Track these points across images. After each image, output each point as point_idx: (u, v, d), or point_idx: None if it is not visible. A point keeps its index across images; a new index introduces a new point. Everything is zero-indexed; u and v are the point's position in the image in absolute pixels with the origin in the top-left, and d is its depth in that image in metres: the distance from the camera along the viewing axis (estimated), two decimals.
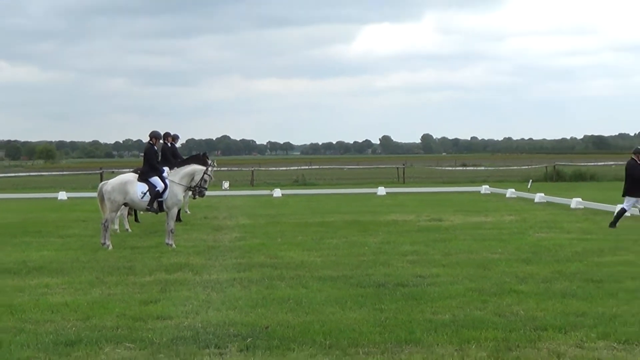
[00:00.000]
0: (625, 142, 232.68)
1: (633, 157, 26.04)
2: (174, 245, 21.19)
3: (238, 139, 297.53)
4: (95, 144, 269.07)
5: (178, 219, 25.63)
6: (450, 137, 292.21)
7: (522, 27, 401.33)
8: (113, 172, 49.96)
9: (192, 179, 22.05)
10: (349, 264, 17.98)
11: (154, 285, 15.37)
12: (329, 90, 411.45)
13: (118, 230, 25.06)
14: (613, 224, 25.30)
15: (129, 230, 25.91)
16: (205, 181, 22.12)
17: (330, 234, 24.44)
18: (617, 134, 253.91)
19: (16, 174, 72.67)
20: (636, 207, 26.39)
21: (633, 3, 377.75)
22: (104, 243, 21.29)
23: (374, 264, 17.78)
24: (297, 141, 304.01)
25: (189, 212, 31.49)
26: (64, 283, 15.84)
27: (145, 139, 23.17)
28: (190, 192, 23.23)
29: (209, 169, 22.48)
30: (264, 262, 18.32)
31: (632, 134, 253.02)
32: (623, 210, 25.73)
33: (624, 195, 26.10)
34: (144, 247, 21.66)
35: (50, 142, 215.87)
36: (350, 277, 15.97)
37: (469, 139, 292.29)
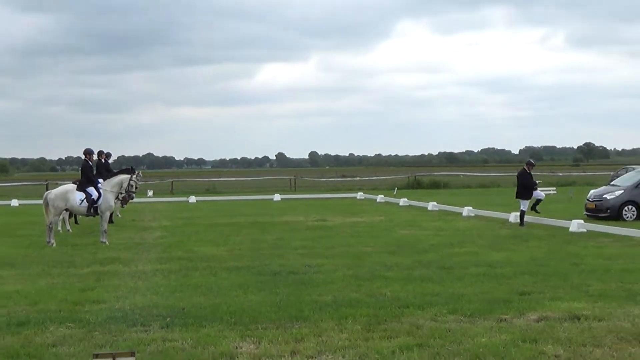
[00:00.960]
0: (470, 157, 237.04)
1: (525, 167, 26.58)
2: (107, 243, 20.97)
3: (160, 156, 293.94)
4: (42, 160, 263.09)
5: (110, 221, 25.30)
6: (332, 154, 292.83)
7: (388, 66, 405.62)
8: (57, 183, 48.88)
9: (121, 186, 22.09)
10: (250, 256, 17.96)
11: (90, 276, 15.14)
12: (234, 116, 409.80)
13: (60, 231, 24.58)
14: (522, 224, 25.45)
15: (70, 230, 25.54)
16: (132, 186, 22.25)
17: (236, 232, 24.37)
18: (464, 150, 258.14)
19: None
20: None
21: (472, 49, 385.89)
22: (49, 241, 20.98)
23: (270, 256, 17.79)
24: (208, 157, 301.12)
25: (119, 215, 31.03)
26: (16, 274, 15.50)
27: (82, 155, 22.98)
28: (119, 201, 23.29)
29: (133, 176, 22.50)
30: (181, 256, 18.18)
31: (475, 151, 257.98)
32: (522, 211, 25.85)
33: (516, 198, 26.42)
34: (82, 244, 21.34)
35: (4, 159, 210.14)
36: (252, 267, 15.95)
37: (347, 155, 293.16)
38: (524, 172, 26.33)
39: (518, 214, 26.01)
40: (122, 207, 28.77)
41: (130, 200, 23.54)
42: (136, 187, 22.87)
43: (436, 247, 19.47)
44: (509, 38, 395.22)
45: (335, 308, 11.27)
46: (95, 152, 25.29)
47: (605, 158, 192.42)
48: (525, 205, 25.93)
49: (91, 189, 21.76)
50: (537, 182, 27.11)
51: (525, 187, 26.07)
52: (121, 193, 22.26)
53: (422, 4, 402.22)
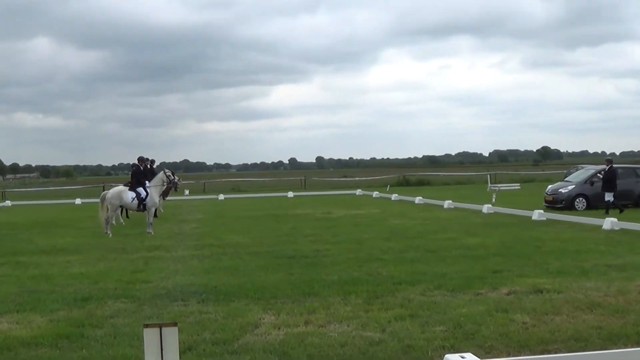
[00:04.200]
0: (448, 159, 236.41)
1: (606, 164, 25.65)
2: (152, 233, 20.99)
3: (194, 161, 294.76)
4: (99, 166, 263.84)
5: (155, 215, 25.27)
6: (335, 158, 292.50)
7: (378, 86, 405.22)
8: (111, 185, 48.98)
9: (162, 181, 22.35)
10: (269, 243, 17.92)
11: (139, 260, 15.13)
12: (253, 128, 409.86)
13: (115, 224, 24.58)
14: (607, 212, 23.90)
15: (123, 223, 25.57)
16: (169, 176, 22.52)
17: (257, 223, 24.34)
18: (443, 154, 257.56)
19: (47, 188, 71.33)
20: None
21: (445, 71, 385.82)
22: (106, 232, 21.04)
23: (286, 243, 17.75)
24: (234, 162, 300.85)
25: (162, 210, 31.00)
26: (80, 259, 15.51)
27: (132, 162, 23.30)
28: (161, 197, 23.54)
29: (166, 170, 22.84)
30: (212, 243, 18.15)
31: (453, 154, 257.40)
32: (608, 202, 24.69)
33: (602, 191, 25.23)
34: (133, 234, 21.34)
35: (70, 166, 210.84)
36: (271, 252, 15.91)
37: (348, 158, 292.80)
38: (608, 169, 25.37)
39: (490, 205, 25.86)
40: (163, 199, 28.77)
41: (176, 188, 23.87)
42: (173, 175, 23.14)
43: (423, 233, 19.41)
44: (474, 62, 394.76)
45: (341, 285, 11.22)
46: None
47: (559, 159, 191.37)
48: (610, 196, 24.89)
49: (140, 189, 22.05)
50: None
51: (607, 181, 25.10)
52: (164, 185, 22.53)
53: (403, 36, 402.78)
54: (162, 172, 22.71)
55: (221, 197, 46.35)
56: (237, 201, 42.77)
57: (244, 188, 62.29)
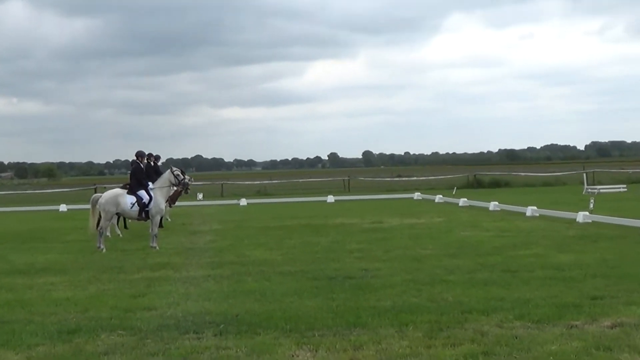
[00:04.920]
0: (532, 154, 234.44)
1: None
2: (157, 248, 21.11)
3: (209, 158, 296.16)
4: (90, 164, 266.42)
5: (160, 225, 25.48)
6: (387, 153, 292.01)
7: (441, 61, 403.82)
8: (105, 187, 49.53)
9: (169, 181, 22.43)
10: (304, 260, 17.93)
11: (141, 282, 15.25)
12: (283, 115, 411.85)
13: (110, 236, 24.83)
14: None
15: (120, 235, 25.87)
16: (177, 176, 22.53)
17: (288, 235, 24.38)
18: (525, 147, 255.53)
19: (24, 191, 72.17)
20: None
21: (527, 42, 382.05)
22: (99, 247, 21.23)
23: (325, 260, 17.74)
24: (259, 158, 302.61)
25: (170, 219, 31.29)
26: (66, 281, 15.67)
27: (131, 159, 23.30)
28: (168, 203, 23.59)
29: (174, 168, 22.80)
30: (233, 260, 18.22)
31: (538, 147, 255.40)
32: None
33: None
34: (132, 249, 21.52)
35: (52, 163, 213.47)
36: (306, 272, 15.90)
37: (403, 154, 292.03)
38: None
39: (587, 212, 25.53)
40: (170, 207, 29.03)
41: (186, 190, 23.95)
42: (183, 175, 23.19)
43: (499, 249, 19.25)
44: (565, 29, 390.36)
45: (395, 314, 11.17)
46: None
47: None
48: None
49: (142, 192, 22.10)
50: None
51: None
52: (171, 188, 22.79)
53: None
54: (168, 170, 22.74)
55: (243, 202, 46.55)
56: (263, 207, 42.91)
57: (271, 191, 62.54)
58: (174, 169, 22.79)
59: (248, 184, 70.08)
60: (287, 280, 14.84)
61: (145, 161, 25.82)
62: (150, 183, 22.86)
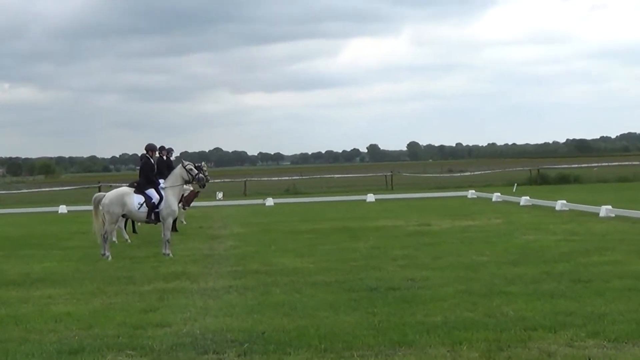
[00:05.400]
0: (607, 145, 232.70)
1: None
2: (171, 255, 21.16)
3: (230, 151, 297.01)
4: (93, 158, 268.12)
5: (174, 229, 25.57)
6: (435, 144, 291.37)
7: (497, 38, 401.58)
8: (111, 185, 49.97)
9: (182, 178, 22.36)
10: (341, 269, 17.90)
11: (152, 294, 15.30)
12: (315, 102, 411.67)
13: (116, 241, 24.96)
14: None
15: (128, 240, 25.93)
16: (190, 171, 22.39)
17: (322, 240, 24.40)
18: (598, 137, 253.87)
19: (18, 191, 72.51)
20: None
21: (600, 13, 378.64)
22: (104, 254, 21.29)
23: (365, 269, 17.73)
24: (287, 151, 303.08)
25: (184, 222, 31.42)
26: (66, 293, 15.77)
27: (140, 152, 23.26)
28: (182, 203, 23.54)
29: (185, 163, 22.67)
30: (258, 269, 18.25)
31: (613, 137, 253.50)
32: None
33: None
34: (142, 257, 21.62)
35: (50, 158, 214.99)
36: (343, 282, 15.89)
37: (454, 145, 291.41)
38: None
39: None
40: (184, 209, 29.17)
41: (202, 185, 23.67)
42: (198, 170, 22.94)
43: (568, 255, 19.11)
44: None
45: (446, 331, 11.14)
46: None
47: None
48: None
49: (151, 191, 22.06)
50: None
51: None
52: (184, 186, 22.87)
53: None
54: (179, 165, 22.54)
55: (269, 202, 46.62)
56: (292, 208, 42.95)
57: (302, 189, 62.52)
58: (186, 162, 22.66)
59: (275, 180, 70.25)
60: (320, 292, 14.84)
61: (157, 155, 25.83)
62: (162, 180, 22.78)
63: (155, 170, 23.28)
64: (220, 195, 52.98)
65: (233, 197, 54.20)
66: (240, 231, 28.80)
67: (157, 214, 21.96)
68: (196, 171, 22.63)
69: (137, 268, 19.29)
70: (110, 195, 22.28)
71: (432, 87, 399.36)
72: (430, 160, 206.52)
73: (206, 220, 34.19)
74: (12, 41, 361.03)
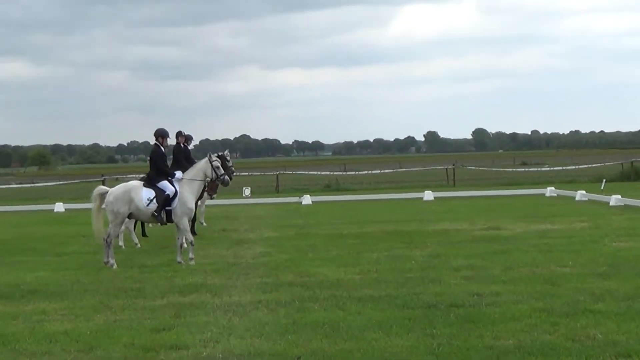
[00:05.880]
0: None
1: None
2: (191, 262, 21.25)
3: (259, 139, 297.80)
4: (96, 147, 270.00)
5: (192, 231, 25.62)
6: (507, 132, 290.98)
7: (580, 4, 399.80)
8: (117, 179, 50.24)
9: (205, 174, 22.41)
10: (393, 281, 17.91)
11: (166, 310, 15.36)
12: (361, 80, 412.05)
13: (123, 247, 25.06)
14: None
15: (138, 245, 25.94)
16: (217, 169, 22.43)
17: (370, 246, 24.39)
18: None
19: (7, 185, 72.96)
20: None
21: None
22: (108, 262, 21.36)
23: (422, 282, 17.70)
24: (328, 140, 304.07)
25: (205, 223, 31.53)
26: (63, 308, 15.86)
27: (152, 139, 23.19)
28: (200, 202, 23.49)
29: (213, 156, 22.84)
30: (293, 281, 18.29)
31: None
32: None
33: None
34: (154, 265, 21.70)
35: (45, 146, 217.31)
36: (395, 297, 15.89)
37: (529, 133, 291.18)
38: None
39: None
40: (211, 197, 29.27)
41: (224, 182, 23.52)
42: (224, 170, 22.96)
43: None
44: None
45: (521, 356, 11.14)
46: (172, 135, 25.58)
47: None
48: None
49: (164, 184, 21.92)
50: None
51: None
52: (206, 183, 23.07)
53: None
54: (205, 159, 22.47)
55: (307, 200, 46.65)
56: (334, 207, 42.99)
57: (345, 185, 62.64)
58: (214, 158, 22.57)
59: (313, 174, 70.33)
60: (368, 309, 14.85)
61: (172, 142, 25.80)
62: (179, 173, 22.56)
63: (171, 159, 23.22)
64: (247, 191, 53.09)
65: (263, 194, 54.38)
66: (272, 235, 28.88)
67: (169, 213, 21.93)
68: (223, 171, 22.61)
69: (147, 278, 19.37)
70: (115, 191, 22.16)
71: (501, 63, 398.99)
72: (501, 150, 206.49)
73: (230, 222, 34.30)
74: (1, 6, 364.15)
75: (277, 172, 66.31)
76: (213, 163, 22.41)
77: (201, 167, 22.43)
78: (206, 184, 23.31)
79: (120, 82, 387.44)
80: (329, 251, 23.60)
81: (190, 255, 21.53)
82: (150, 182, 22.22)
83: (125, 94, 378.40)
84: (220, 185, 26.58)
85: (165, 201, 21.82)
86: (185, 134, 29.18)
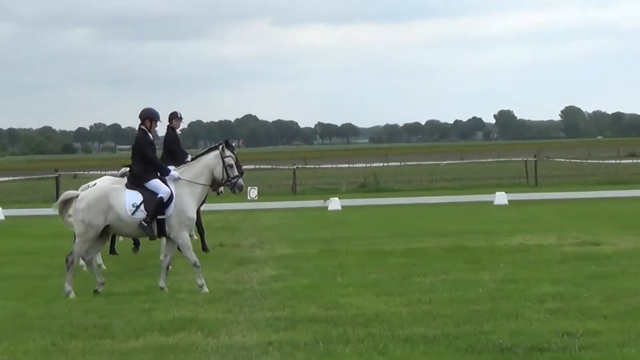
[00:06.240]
0: None
1: None
2: (205, 289, 21.30)
3: (270, 121, 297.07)
4: (47, 131, 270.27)
5: (203, 247, 25.75)
6: (608, 112, 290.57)
7: None
8: (75, 175, 50.43)
9: (210, 170, 22.04)
10: (452, 315, 17.94)
11: (142, 355, 15.41)
12: (407, 41, 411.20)
13: (84, 268, 25.00)
14: None
15: (103, 266, 25.97)
16: (231, 167, 22.09)
17: (421, 268, 24.45)
18: None
19: None
20: None
21: None
22: (70, 291, 21.29)
23: (492, 316, 17.71)
24: (363, 123, 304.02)
25: (195, 236, 31.55)
26: (1, 353, 15.90)
27: (125, 121, 23.32)
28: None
29: (226, 152, 22.28)
30: (316, 315, 18.32)
31: None
32: None
33: None
34: (127, 293, 21.84)
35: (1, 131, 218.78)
36: (456, 337, 15.91)
37: (639, 114, 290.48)
38: None
39: None
40: (218, 194, 29.42)
41: (234, 188, 23.31)
42: (238, 171, 22.67)
43: None
44: None
45: None
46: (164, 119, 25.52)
47: None
48: None
49: (155, 184, 21.66)
50: None
51: None
52: (216, 188, 23.09)
53: None
54: (215, 152, 22.00)
55: (335, 204, 46.82)
56: (372, 214, 43.13)
57: (387, 183, 62.68)
58: (227, 152, 22.10)
59: (343, 169, 70.50)
60: (418, 353, 14.90)
61: (167, 126, 25.84)
62: (172, 168, 22.29)
63: (162, 148, 23.20)
64: (253, 193, 53.18)
65: (274, 197, 54.54)
66: (287, 252, 28.97)
67: (162, 223, 21.71)
68: (237, 172, 22.35)
69: (117, 311, 19.44)
70: (88, 195, 22.00)
71: (597, 17, 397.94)
72: (600, 137, 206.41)
73: (230, 234, 34.46)
74: None
75: (294, 166, 66.38)
76: (226, 159, 22.09)
77: (208, 163, 22.07)
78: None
79: (79, 44, 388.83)
80: (365, 275, 23.67)
81: (199, 281, 21.49)
82: (135, 181, 21.95)
83: (87, 60, 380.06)
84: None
85: (157, 207, 21.48)
86: (179, 114, 28.88)
